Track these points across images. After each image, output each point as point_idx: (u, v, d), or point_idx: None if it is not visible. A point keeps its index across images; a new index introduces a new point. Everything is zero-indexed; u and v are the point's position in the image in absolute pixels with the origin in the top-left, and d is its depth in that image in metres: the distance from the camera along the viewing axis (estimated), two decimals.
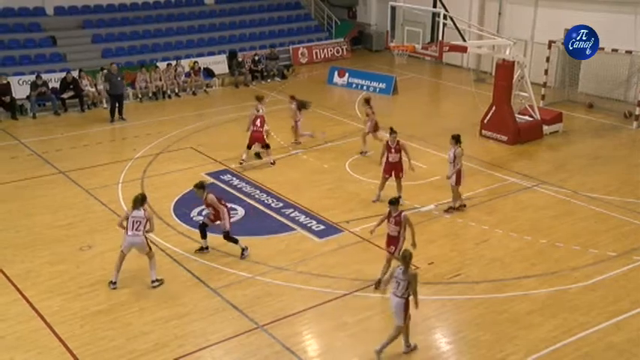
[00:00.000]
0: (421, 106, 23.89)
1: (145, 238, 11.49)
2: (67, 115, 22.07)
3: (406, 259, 9.58)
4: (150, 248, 11.66)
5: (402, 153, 14.74)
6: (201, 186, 12.46)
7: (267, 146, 17.24)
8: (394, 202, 11.37)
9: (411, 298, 9.57)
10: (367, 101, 17.94)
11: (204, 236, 12.81)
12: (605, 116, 21.47)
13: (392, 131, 14.76)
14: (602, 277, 12.05)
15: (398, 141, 14.66)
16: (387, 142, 14.79)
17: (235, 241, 12.64)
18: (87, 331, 10.51)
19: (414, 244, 11.07)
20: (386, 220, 11.44)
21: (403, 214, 11.36)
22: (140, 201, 11.46)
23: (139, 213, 11.35)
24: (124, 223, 11.47)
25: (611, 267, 12.39)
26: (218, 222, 12.57)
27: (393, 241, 11.39)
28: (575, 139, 19.31)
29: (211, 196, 12.43)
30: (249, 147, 17.11)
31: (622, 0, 21.89)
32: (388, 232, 11.44)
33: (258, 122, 16.93)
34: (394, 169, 14.73)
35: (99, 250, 12.98)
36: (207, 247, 12.85)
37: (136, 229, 11.31)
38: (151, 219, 11.54)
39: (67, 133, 19.76)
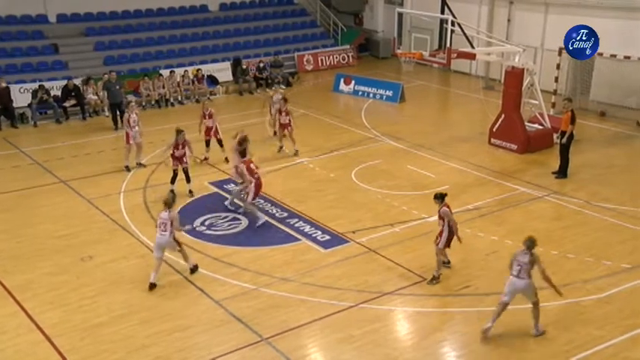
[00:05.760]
0: (429, 114, 23.59)
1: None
2: (69, 123, 21.92)
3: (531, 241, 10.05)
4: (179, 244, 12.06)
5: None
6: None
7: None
8: (439, 196, 11.83)
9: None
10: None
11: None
12: (618, 124, 21.10)
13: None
14: (617, 289, 11.72)
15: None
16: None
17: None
18: (87, 343, 10.29)
19: (458, 239, 11.74)
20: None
21: (443, 209, 11.70)
22: (170, 203, 11.76)
23: (165, 214, 11.67)
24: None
25: (626, 279, 12.03)
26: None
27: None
28: (586, 147, 18.90)
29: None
30: None
31: (635, 6, 21.58)
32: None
33: None
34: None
35: (100, 261, 12.77)
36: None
37: (162, 230, 11.69)
38: (175, 219, 11.74)
39: (69, 141, 19.58)
